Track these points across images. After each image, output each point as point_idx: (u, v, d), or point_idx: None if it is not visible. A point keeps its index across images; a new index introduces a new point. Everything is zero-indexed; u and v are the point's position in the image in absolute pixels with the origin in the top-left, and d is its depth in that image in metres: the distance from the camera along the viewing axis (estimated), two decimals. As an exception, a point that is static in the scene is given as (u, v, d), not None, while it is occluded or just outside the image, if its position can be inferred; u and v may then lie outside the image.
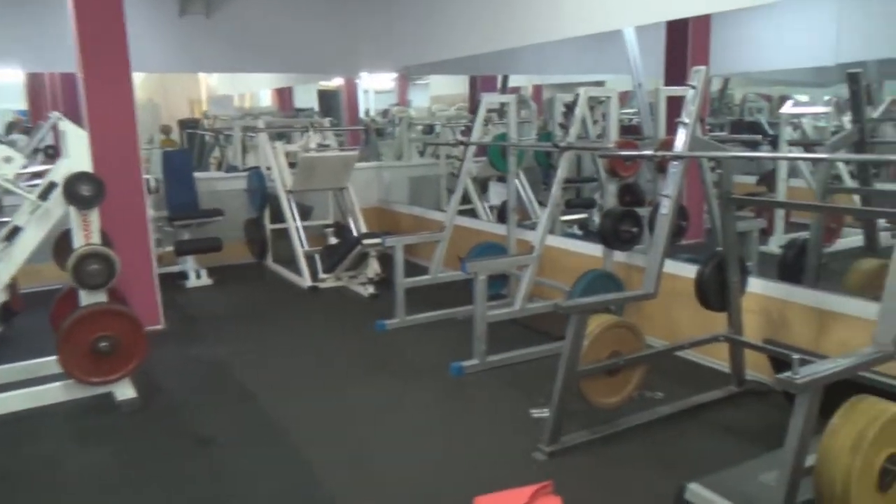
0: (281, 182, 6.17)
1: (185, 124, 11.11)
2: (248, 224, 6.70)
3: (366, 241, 5.36)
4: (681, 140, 3.22)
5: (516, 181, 6.47)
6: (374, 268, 5.62)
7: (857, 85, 3.74)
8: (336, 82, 11.38)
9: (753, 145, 6.28)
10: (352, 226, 6.22)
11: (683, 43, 6.49)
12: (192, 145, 10.72)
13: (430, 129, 9.69)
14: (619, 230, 4.17)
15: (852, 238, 5.32)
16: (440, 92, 12.28)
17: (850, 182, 5.23)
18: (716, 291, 3.44)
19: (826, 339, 3.42)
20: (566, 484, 2.67)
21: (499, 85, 8.63)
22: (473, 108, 9.13)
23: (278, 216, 6.31)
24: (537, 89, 10.37)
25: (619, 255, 4.42)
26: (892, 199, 4.75)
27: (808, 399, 2.17)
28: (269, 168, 6.34)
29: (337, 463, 3.02)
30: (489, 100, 4.97)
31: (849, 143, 3.82)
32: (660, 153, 3.24)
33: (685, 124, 3.22)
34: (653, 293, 3.24)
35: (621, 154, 3.63)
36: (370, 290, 5.59)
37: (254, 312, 5.37)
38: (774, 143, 6.05)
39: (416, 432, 3.32)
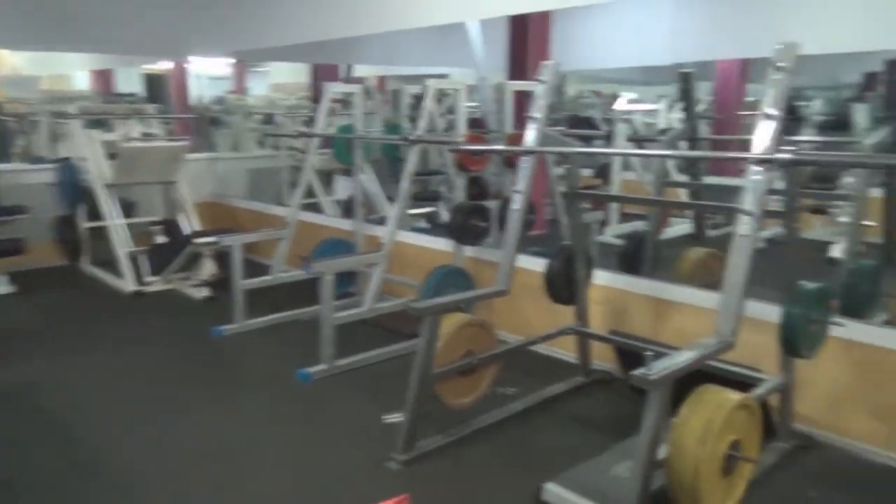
0: (98, 175, 5.52)
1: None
2: (58, 222, 5.94)
3: (197, 240, 4.92)
4: (531, 135, 3.19)
5: (363, 175, 6.29)
6: (208, 268, 5.18)
7: (688, 84, 3.94)
8: (164, 66, 10.54)
9: (590, 140, 6.55)
10: (183, 223, 5.71)
11: (525, 38, 6.62)
12: (-10, 132, 9.44)
13: (269, 119, 9.25)
14: (469, 225, 4.11)
15: (680, 227, 5.70)
16: (281, 80, 11.75)
17: (676, 176, 5.56)
18: (564, 285, 3.47)
19: (664, 326, 3.57)
20: (424, 493, 2.55)
21: (342, 75, 8.36)
22: (316, 97, 8.80)
23: (96, 213, 5.65)
24: (381, 80, 10.20)
25: (468, 250, 4.37)
26: (717, 192, 5.12)
27: (660, 394, 2.18)
28: (83, 159, 5.65)
29: (172, 496, 2.68)
30: (334, 89, 4.73)
31: (682, 139, 4.03)
32: (511, 148, 3.20)
33: (535, 119, 3.19)
34: (506, 290, 3.20)
35: (473, 149, 3.56)
36: (204, 292, 5.16)
37: (67, 323, 4.74)
38: (609, 139, 6.34)
39: (262, 449, 3.05)
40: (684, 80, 3.92)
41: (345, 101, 7.34)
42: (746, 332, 2.57)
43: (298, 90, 10.71)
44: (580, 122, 8.03)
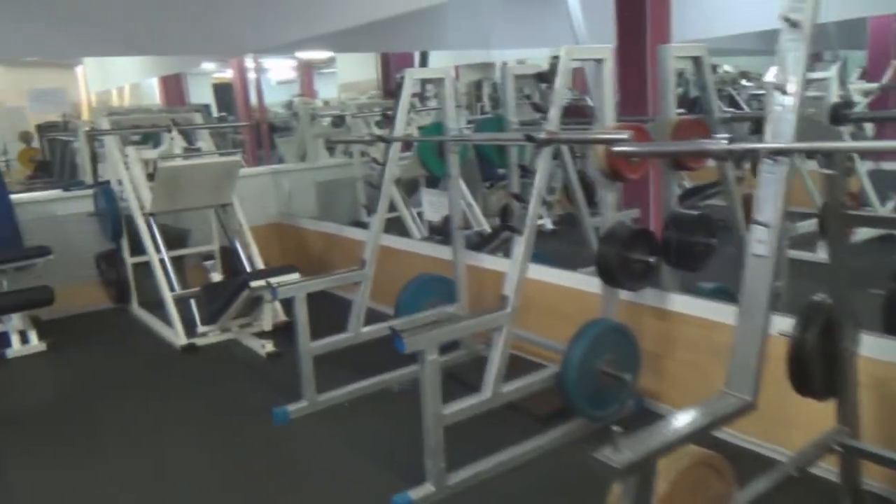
0: (136, 201, 4.31)
1: (44, 129, 8.86)
2: (101, 259, 4.80)
3: (254, 284, 3.61)
4: (785, 122, 1.70)
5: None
6: (271, 315, 3.88)
7: None
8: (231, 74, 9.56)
9: (735, 123, 4.90)
10: (240, 254, 4.43)
11: (640, 4, 5.05)
12: (53, 153, 8.55)
13: (340, 121, 8.01)
14: (630, 261, 2.63)
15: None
16: (349, 79, 10.45)
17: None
18: (822, 369, 1.95)
19: None
20: None
21: (416, 65, 6.97)
22: (389, 92, 7.44)
23: (142, 246, 4.46)
24: (456, 70, 8.76)
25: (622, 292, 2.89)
26: None
27: None
28: (120, 182, 4.46)
29: None
30: (415, 76, 3.30)
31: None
32: (760, 145, 1.70)
33: (790, 93, 1.69)
34: (752, 401, 1.71)
35: (687, 150, 2.01)
36: (268, 346, 3.86)
37: (93, 397, 3.51)
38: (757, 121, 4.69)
39: None
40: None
41: (422, 95, 5.99)
42: None
43: (368, 89, 9.43)
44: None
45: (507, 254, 4.18)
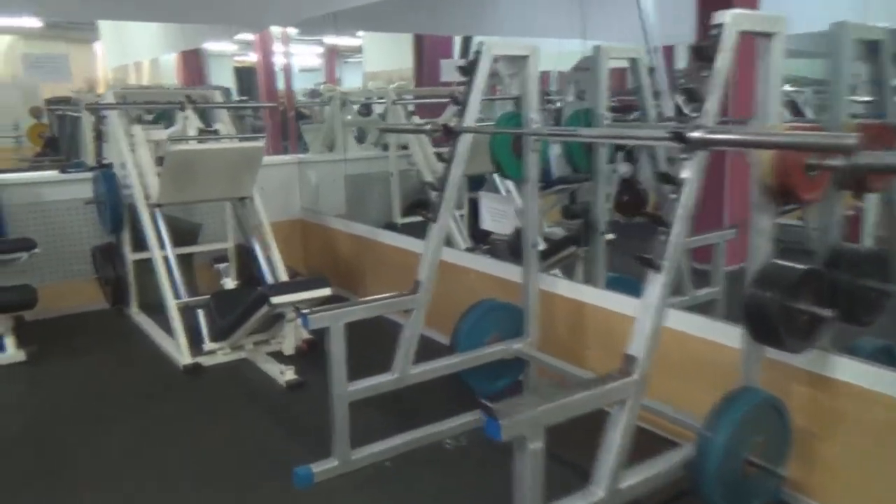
0: (141, 189, 3.55)
1: (52, 104, 8.09)
2: (97, 253, 4.03)
3: (277, 300, 2.84)
4: None
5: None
6: (294, 335, 3.11)
7: None
8: (254, 58, 8.89)
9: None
10: (259, 257, 3.66)
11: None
12: (62, 129, 7.80)
13: (367, 110, 7.24)
14: (795, 312, 1.86)
15: None
16: (376, 67, 9.67)
17: None
18: None
19: None
20: None
21: (457, 51, 6.18)
22: (422, 81, 6.69)
23: (145, 240, 3.69)
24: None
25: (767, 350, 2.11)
26: None
27: None
28: (124, 166, 3.70)
29: None
30: (496, 51, 2.51)
31: None
32: None
33: None
34: None
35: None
36: (288, 374, 3.09)
37: (71, 428, 2.75)
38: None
39: None
40: None
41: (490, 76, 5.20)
42: None
43: (395, 78, 8.67)
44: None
45: (569, 274, 3.46)
